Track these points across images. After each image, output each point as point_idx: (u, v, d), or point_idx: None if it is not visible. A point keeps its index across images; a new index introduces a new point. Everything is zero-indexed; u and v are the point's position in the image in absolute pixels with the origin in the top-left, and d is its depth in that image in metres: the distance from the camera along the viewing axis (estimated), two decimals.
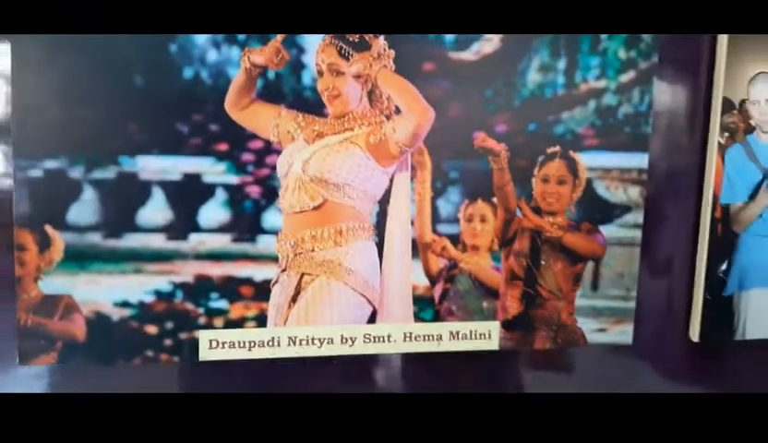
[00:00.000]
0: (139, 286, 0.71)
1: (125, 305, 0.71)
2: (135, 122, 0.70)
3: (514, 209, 0.79)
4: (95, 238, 0.70)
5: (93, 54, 0.68)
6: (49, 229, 0.69)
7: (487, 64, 0.76)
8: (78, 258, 0.70)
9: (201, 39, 0.70)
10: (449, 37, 0.75)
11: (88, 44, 0.67)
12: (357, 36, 0.73)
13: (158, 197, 0.71)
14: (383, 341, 0.77)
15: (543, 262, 0.81)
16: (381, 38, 0.73)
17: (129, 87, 0.69)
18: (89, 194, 0.69)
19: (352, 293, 0.76)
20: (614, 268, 0.83)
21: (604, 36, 0.78)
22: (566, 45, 0.78)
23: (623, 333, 0.84)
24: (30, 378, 0.71)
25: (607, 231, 0.82)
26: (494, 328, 0.80)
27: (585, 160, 0.80)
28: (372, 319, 0.77)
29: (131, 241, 0.71)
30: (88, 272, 0.70)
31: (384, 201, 0.76)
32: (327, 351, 0.76)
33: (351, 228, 0.75)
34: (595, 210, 0.82)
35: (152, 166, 0.71)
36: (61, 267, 0.70)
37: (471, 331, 0.79)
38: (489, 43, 0.76)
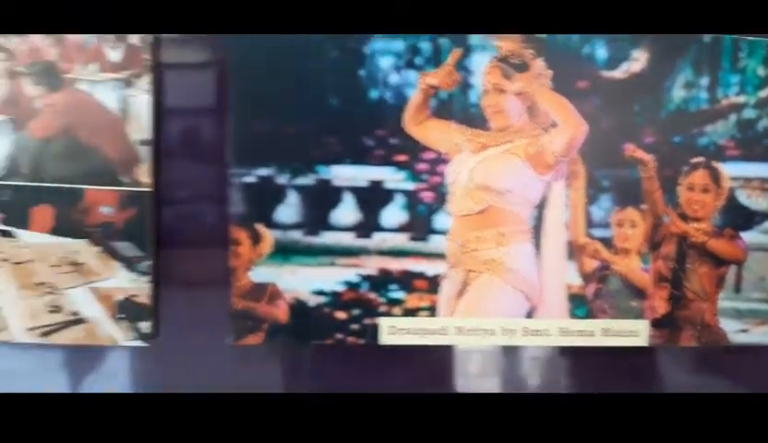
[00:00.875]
0: (332, 277, 0.82)
1: (320, 293, 0.82)
2: (330, 136, 0.81)
3: (662, 215, 0.85)
4: (297, 235, 0.81)
5: (296, 78, 0.80)
6: (260, 227, 0.81)
7: (636, 81, 0.84)
8: (283, 252, 0.81)
9: (385, 64, 0.81)
10: (600, 57, 0.83)
11: (292, 71, 0.79)
12: (518, 58, 0.82)
13: (348, 200, 0.82)
14: (540, 334, 0.85)
15: (688, 265, 0.87)
16: (540, 60, 0.82)
17: (326, 106, 0.81)
18: (292, 197, 0.81)
19: (512, 289, 0.84)
20: (756, 271, 0.87)
21: (742, 55, 0.84)
22: (708, 64, 0.84)
23: (765, 334, 0.88)
24: (239, 355, 0.83)
25: (749, 237, 0.87)
26: (643, 326, 0.86)
27: (727, 170, 0.85)
28: (530, 315, 0.85)
29: (326, 238, 0.82)
30: (291, 264, 0.81)
31: (541, 207, 0.84)
32: (489, 341, 0.84)
33: (511, 231, 0.83)
34: (737, 217, 0.87)
35: (344, 174, 0.82)
36: (269, 259, 0.81)
37: (621, 328, 0.86)
38: (637, 63, 0.84)
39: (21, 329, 0.80)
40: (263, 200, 0.81)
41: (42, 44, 0.77)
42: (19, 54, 0.78)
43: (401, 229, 0.83)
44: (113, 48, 0.78)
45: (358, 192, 0.82)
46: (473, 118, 0.83)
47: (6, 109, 0.78)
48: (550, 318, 0.85)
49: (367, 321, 0.83)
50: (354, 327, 0.83)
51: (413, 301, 0.83)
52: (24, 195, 0.79)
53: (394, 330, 0.83)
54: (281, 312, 0.81)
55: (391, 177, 0.82)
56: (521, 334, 0.85)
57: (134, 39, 0.77)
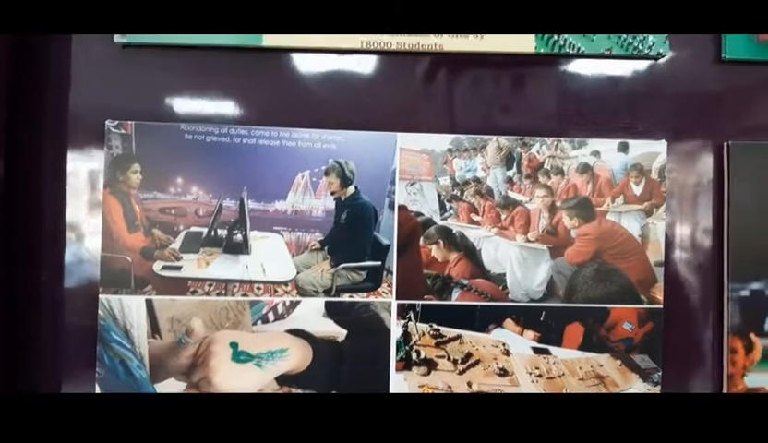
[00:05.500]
0: None
1: None
2: None
3: None
4: None
5: None
6: (752, 336, 0.91)
7: None
8: None
9: None
10: None
11: None
12: None
13: None
14: None
15: None
16: None
17: None
18: None
19: None
20: None
21: None
22: None
23: None
24: None
25: None
26: None
27: None
28: None
29: None
30: None
31: None
32: None
33: None
34: None
35: None
36: (759, 365, 0.91)
37: None
38: None
39: None
40: (755, 312, 0.91)
41: (578, 181, 0.89)
42: (559, 191, 0.89)
43: None
44: (635, 183, 0.89)
45: None
46: None
47: (546, 238, 0.89)
48: None
49: None
50: None
51: None
52: (559, 315, 0.88)
53: None
54: None
55: None
56: None
57: (654, 174, 0.89)
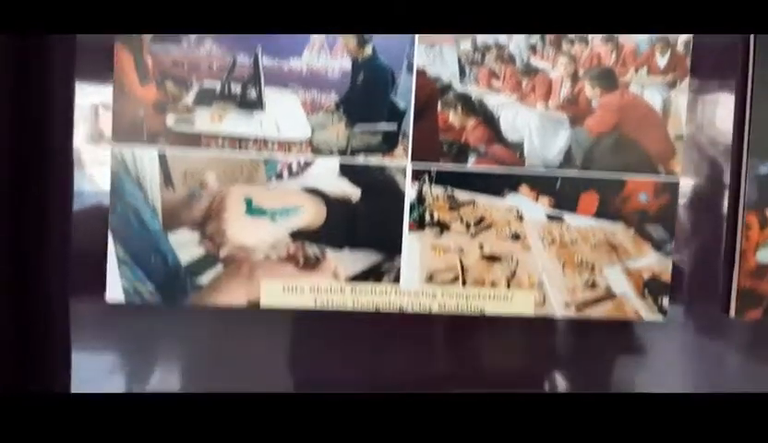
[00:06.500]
0: None
1: None
2: None
3: None
4: None
5: None
6: (767, 212, 0.91)
7: None
8: None
9: None
10: None
11: None
12: None
13: None
14: None
15: None
16: None
17: None
18: None
19: None
20: None
21: None
22: None
23: None
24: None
25: None
26: None
27: None
28: None
29: None
30: None
31: None
32: None
33: None
34: None
35: None
36: None
37: None
38: None
39: (560, 304, 0.89)
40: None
41: (602, 51, 0.87)
42: (582, 60, 0.87)
43: None
44: (661, 54, 0.87)
45: None
46: None
47: (567, 107, 0.87)
48: None
49: None
50: None
51: None
52: (575, 183, 0.88)
53: None
54: None
55: None
56: None
57: (680, 47, 0.87)
